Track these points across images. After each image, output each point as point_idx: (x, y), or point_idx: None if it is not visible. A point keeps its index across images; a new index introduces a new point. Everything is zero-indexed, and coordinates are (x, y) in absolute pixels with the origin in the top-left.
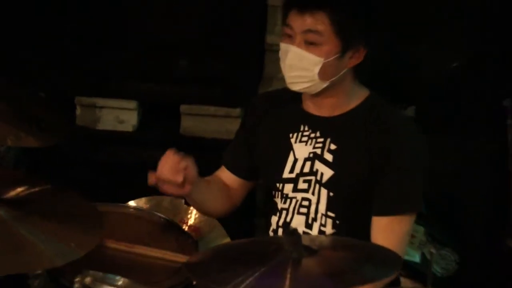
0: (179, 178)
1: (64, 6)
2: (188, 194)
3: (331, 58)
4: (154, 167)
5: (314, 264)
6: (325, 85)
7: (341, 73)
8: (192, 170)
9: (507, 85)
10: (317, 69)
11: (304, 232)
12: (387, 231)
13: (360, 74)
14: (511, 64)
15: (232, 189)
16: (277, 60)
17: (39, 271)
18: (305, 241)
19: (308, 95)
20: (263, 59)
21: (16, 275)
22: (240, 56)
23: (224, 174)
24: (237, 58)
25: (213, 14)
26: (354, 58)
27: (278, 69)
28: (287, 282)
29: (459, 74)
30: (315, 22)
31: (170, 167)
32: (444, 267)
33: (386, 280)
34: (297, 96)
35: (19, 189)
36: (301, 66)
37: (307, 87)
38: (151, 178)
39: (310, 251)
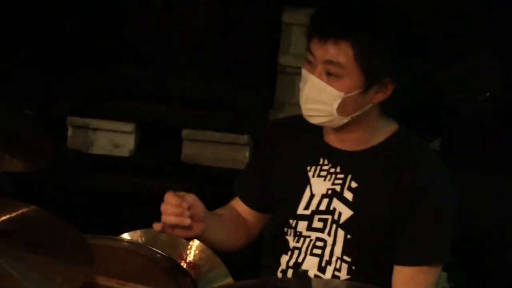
0: (186, 221)
1: (62, 17)
2: (201, 233)
3: (353, 93)
4: (150, 196)
5: None
6: (345, 120)
7: (365, 108)
8: (198, 208)
9: None
10: (336, 104)
11: (316, 276)
12: (410, 283)
13: (388, 109)
14: None
15: (248, 221)
16: (290, 84)
17: None
18: (317, 285)
19: (329, 129)
20: (275, 81)
21: None
22: (250, 77)
23: (239, 205)
24: (246, 79)
25: (220, 30)
26: (381, 94)
27: (291, 93)
28: None
29: (491, 105)
30: (338, 52)
31: (173, 211)
32: None
33: None
34: (318, 126)
35: (2, 217)
36: (319, 98)
37: (326, 122)
38: (157, 227)
39: None
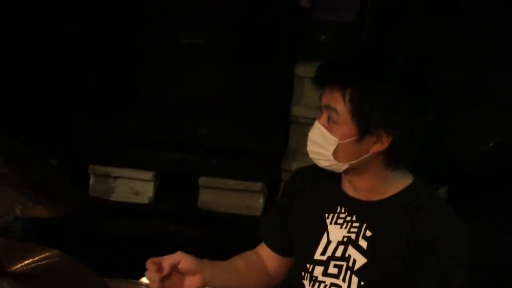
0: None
1: (83, 69)
2: (204, 284)
3: (347, 140)
4: (169, 241)
5: None
6: (344, 167)
7: (363, 157)
8: (186, 262)
9: None
10: (332, 149)
11: None
12: None
13: (395, 161)
14: None
15: (272, 266)
16: (302, 133)
17: None
18: None
19: (344, 175)
20: (288, 131)
21: None
22: (264, 126)
23: (263, 250)
24: (261, 128)
25: (236, 80)
26: (378, 145)
27: (303, 142)
28: None
29: (494, 154)
30: (334, 99)
31: (156, 277)
32: None
33: None
34: (337, 175)
35: (26, 262)
36: (320, 142)
37: (327, 166)
38: None
39: None
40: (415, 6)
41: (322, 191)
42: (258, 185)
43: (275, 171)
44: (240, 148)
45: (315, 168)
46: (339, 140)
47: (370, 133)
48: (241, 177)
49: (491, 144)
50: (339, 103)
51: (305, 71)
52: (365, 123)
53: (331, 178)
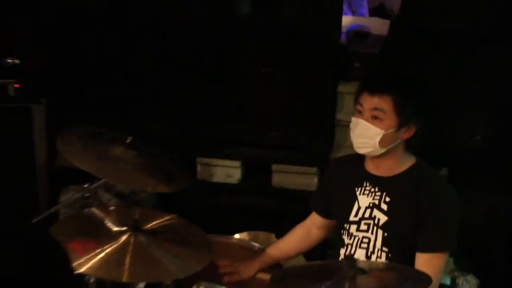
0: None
1: (201, 91)
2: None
3: (390, 131)
4: (252, 211)
5: (366, 281)
6: (382, 151)
7: (396, 143)
8: (241, 269)
9: None
10: (378, 139)
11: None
12: (428, 264)
13: (410, 145)
14: None
15: (315, 231)
16: (344, 132)
17: (168, 282)
18: (363, 265)
19: (369, 158)
20: (334, 131)
21: (153, 285)
22: (317, 129)
23: (313, 217)
24: (315, 130)
25: (297, 97)
26: (407, 133)
27: (345, 139)
28: None
29: (482, 144)
30: (382, 102)
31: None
32: None
33: None
34: (361, 161)
35: (154, 222)
36: (366, 135)
37: (369, 151)
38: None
39: (362, 271)
40: (414, 45)
41: (351, 172)
42: (313, 169)
43: (324, 159)
44: (301, 144)
45: (344, 158)
46: (384, 132)
47: (405, 124)
48: (301, 164)
49: (478, 137)
50: (386, 104)
51: (345, 89)
52: (404, 117)
53: (356, 164)
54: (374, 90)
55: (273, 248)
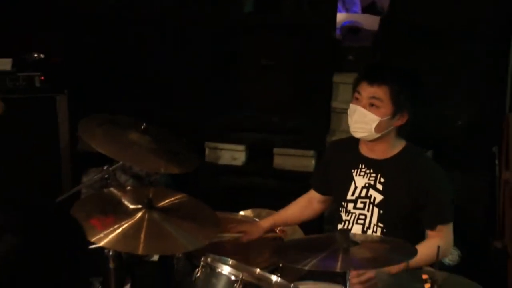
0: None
1: (211, 86)
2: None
3: (385, 118)
4: (255, 190)
5: (358, 252)
6: (377, 136)
7: (389, 129)
8: (250, 229)
9: (496, 138)
10: (374, 125)
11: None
12: (438, 237)
13: (401, 131)
14: (497, 123)
15: (315, 204)
16: (338, 119)
17: (179, 255)
18: (359, 238)
19: (364, 142)
20: (329, 117)
21: (165, 257)
22: (314, 115)
23: (312, 193)
24: (312, 116)
25: (296, 86)
26: (400, 120)
27: (340, 125)
28: (339, 263)
29: (462, 128)
30: (379, 91)
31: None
32: (450, 259)
33: (405, 261)
34: (356, 144)
35: (167, 200)
36: (363, 121)
37: (365, 136)
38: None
39: (354, 243)
40: (402, 39)
41: (347, 154)
42: (311, 152)
43: (321, 143)
44: (300, 129)
45: (340, 141)
46: (380, 118)
47: (399, 112)
48: (300, 147)
49: (459, 123)
50: (384, 93)
51: (339, 79)
52: (399, 105)
53: (352, 146)
54: (373, 80)
55: (279, 214)
